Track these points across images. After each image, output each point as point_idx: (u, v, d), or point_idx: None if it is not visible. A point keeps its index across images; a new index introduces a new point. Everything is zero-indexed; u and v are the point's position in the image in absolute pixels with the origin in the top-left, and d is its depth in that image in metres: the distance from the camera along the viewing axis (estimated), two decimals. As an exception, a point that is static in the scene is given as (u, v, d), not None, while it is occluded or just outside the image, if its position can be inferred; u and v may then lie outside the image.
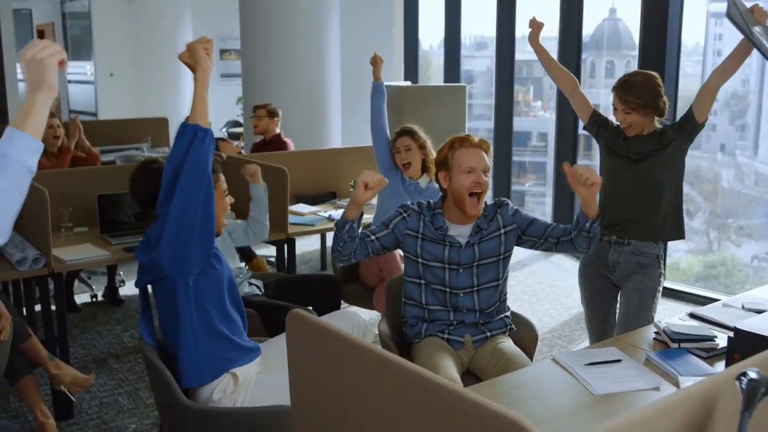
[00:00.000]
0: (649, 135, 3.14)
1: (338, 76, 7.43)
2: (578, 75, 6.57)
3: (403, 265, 3.77)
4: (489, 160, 2.79)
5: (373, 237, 2.77)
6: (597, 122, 3.30)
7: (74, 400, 3.49)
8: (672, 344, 2.43)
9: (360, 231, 2.69)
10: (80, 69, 12.62)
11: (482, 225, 2.78)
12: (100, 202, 4.14)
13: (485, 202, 2.82)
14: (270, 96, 6.97)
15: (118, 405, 3.73)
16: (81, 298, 5.31)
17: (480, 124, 9.34)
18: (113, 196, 4.17)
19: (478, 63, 10.72)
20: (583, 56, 8.67)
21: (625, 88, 3.07)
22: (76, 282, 5.25)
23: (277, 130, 5.85)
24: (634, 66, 7.08)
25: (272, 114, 5.81)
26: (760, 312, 2.72)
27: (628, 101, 3.06)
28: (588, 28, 8.56)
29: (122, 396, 3.83)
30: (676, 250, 8.68)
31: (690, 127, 3.12)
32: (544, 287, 5.69)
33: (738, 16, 3.00)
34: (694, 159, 8.69)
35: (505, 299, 2.89)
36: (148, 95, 11.16)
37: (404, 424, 1.44)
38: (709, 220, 8.11)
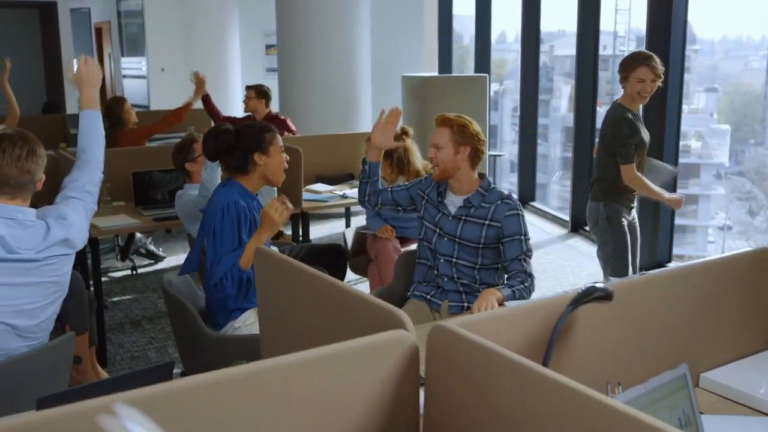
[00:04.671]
0: None
1: (368, 67, 7.78)
2: (596, 66, 6.78)
3: (395, 257, 4.13)
4: (450, 134, 2.89)
5: (389, 189, 3.16)
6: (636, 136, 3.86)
7: None
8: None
9: (378, 182, 3.13)
10: (135, 64, 13.26)
11: (474, 201, 2.94)
12: (135, 178, 4.61)
13: (493, 187, 2.98)
14: (305, 87, 7.40)
15: (147, 358, 4.18)
16: (122, 272, 5.83)
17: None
18: (146, 173, 4.64)
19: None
20: (639, 51, 8.81)
21: (656, 60, 3.74)
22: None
23: (267, 110, 6.13)
24: (694, 60, 7.25)
25: (261, 95, 6.10)
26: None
27: (658, 70, 3.73)
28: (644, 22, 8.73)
29: (151, 351, 4.28)
30: (736, 249, 8.64)
31: None
32: (554, 266, 5.96)
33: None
34: (758, 156, 8.61)
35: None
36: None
37: (324, 330, 1.81)
38: (772, 219, 8.11)
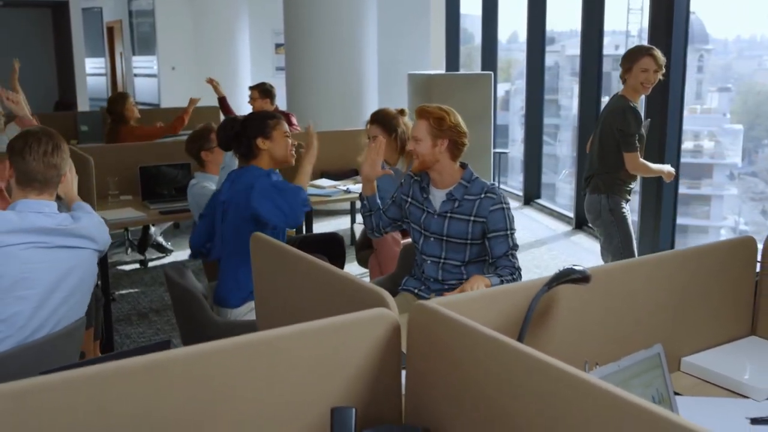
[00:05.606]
0: None
1: (375, 64, 7.86)
2: (601, 65, 6.83)
3: (394, 248, 4.20)
4: (428, 127, 2.84)
5: (382, 212, 3.17)
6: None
7: None
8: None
9: (380, 210, 3.15)
10: (146, 63, 13.41)
11: (456, 194, 2.88)
12: (142, 172, 4.71)
13: (476, 178, 2.93)
14: (312, 85, 7.49)
15: (153, 348, 4.27)
16: (130, 266, 5.93)
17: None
18: (154, 168, 4.75)
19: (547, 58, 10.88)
20: (641, 44, 8.84)
21: (658, 52, 3.87)
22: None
23: (274, 107, 6.13)
24: (707, 59, 7.28)
25: (265, 93, 6.09)
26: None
27: (660, 60, 3.86)
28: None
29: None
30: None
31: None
32: (557, 263, 6.02)
33: None
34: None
35: None
36: (207, 87, 11.78)
37: (315, 310, 1.89)
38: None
